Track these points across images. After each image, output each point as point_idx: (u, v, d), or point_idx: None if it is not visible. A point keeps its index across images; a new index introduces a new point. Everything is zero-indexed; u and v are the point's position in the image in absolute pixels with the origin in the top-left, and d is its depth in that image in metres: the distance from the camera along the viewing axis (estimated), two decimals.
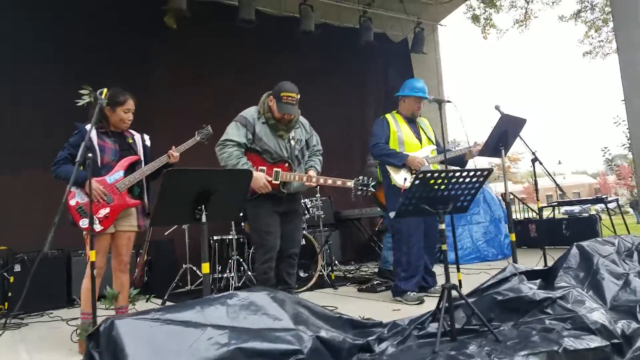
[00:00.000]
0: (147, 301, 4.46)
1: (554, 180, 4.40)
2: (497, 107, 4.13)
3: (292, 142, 3.09)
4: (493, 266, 5.49)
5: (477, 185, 2.46)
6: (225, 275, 4.55)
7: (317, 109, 7.03)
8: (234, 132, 3.02)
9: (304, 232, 4.87)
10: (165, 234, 4.69)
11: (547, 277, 3.03)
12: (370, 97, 8.33)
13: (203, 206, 2.12)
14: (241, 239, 4.86)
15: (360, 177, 3.06)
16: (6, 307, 4.32)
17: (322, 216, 5.31)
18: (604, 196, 6.76)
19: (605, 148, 13.31)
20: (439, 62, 9.96)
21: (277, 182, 2.99)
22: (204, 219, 2.13)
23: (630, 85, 5.59)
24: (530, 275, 2.92)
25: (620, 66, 5.77)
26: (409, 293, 3.55)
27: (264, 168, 3.00)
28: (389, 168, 3.73)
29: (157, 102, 5.49)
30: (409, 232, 3.63)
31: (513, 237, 3.49)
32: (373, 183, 3.04)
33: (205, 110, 5.70)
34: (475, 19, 12.79)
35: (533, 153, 4.15)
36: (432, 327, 2.45)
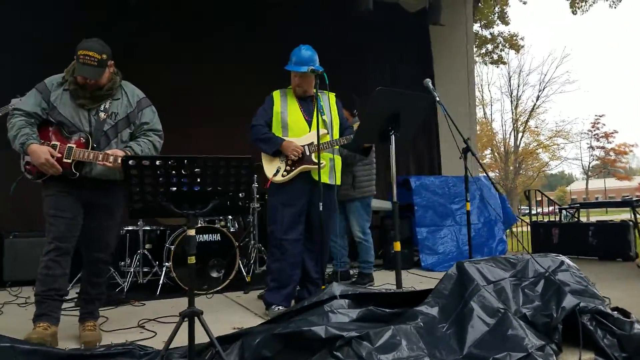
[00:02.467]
0: None
1: (486, 172, 3.54)
2: (425, 83, 3.42)
3: (102, 114, 2.61)
4: None
5: (241, 177, 1.90)
6: (131, 269, 4.29)
7: None
8: (26, 100, 2.61)
9: (219, 225, 4.47)
10: None
11: (409, 302, 2.37)
12: (372, 82, 7.40)
13: None
14: (158, 231, 4.58)
15: None
16: None
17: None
18: (634, 199, 5.50)
19: None
20: (470, 39, 8.82)
21: (69, 161, 2.51)
22: None
23: None
24: (365, 299, 2.29)
25: None
26: (273, 307, 3.02)
27: (57, 144, 2.53)
28: (263, 157, 3.20)
29: None
30: (282, 234, 3.08)
31: (397, 246, 2.79)
32: None
33: None
34: None
35: (465, 141, 3.39)
36: None
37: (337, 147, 3.28)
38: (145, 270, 4.39)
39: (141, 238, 4.32)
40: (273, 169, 3.11)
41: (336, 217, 3.33)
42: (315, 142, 3.05)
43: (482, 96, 29.46)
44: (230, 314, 3.30)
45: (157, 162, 1.76)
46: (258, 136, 3.16)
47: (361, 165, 4.39)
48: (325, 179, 3.11)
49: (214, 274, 4.16)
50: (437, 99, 3.33)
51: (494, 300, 2.22)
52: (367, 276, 4.35)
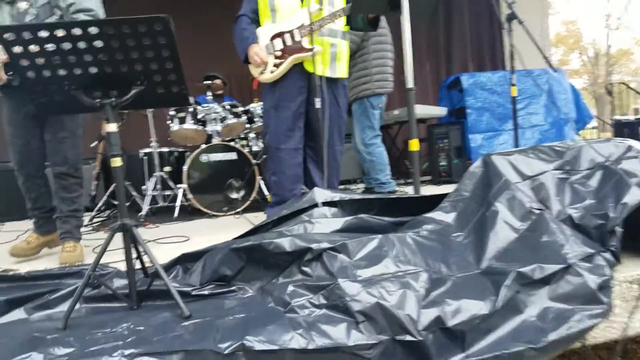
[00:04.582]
0: None
1: (537, 46, 2.79)
2: None
3: (23, 4, 2.28)
4: None
5: (160, 49, 1.46)
6: (148, 193, 4.12)
7: None
8: None
9: (239, 144, 4.15)
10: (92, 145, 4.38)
11: (421, 209, 1.92)
12: None
13: None
14: (176, 153, 4.36)
15: None
16: None
17: None
18: None
19: None
20: None
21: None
22: None
23: None
24: (358, 206, 1.86)
25: None
26: None
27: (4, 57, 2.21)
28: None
29: None
30: (275, 141, 2.66)
31: (414, 144, 2.25)
32: None
33: None
34: None
35: (509, 5, 2.67)
36: (118, 282, 1.68)
37: (347, 29, 2.71)
38: (167, 193, 4.24)
39: (156, 160, 4.12)
40: (259, 67, 2.64)
41: (343, 118, 2.80)
42: (307, 23, 2.50)
43: None
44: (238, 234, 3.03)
45: (42, 34, 1.37)
46: (236, 34, 2.69)
47: (353, 60, 3.66)
48: (324, 70, 2.59)
49: (233, 195, 3.91)
50: None
51: (528, 199, 1.70)
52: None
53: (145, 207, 3.94)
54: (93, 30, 1.37)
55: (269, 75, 2.62)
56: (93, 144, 4.29)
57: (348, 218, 1.78)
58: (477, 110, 4.90)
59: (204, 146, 3.87)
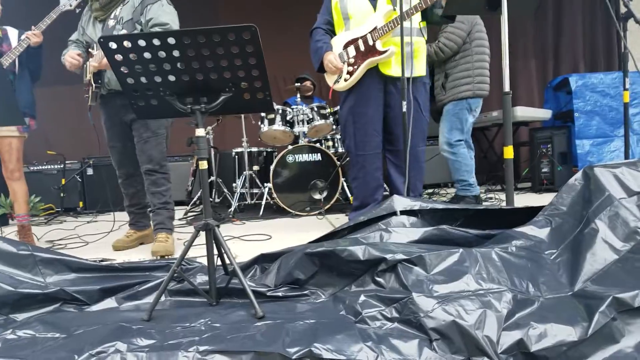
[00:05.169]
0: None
1: None
2: None
3: (111, 21, 2.55)
4: None
5: (248, 57, 1.53)
6: (238, 190, 4.33)
7: None
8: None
9: (325, 145, 4.21)
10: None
11: (512, 223, 1.82)
12: None
13: None
14: (264, 153, 4.52)
15: None
16: (81, 205, 5.23)
17: None
18: None
19: None
20: None
21: (88, 77, 2.52)
22: None
23: None
24: (440, 216, 1.81)
25: None
26: None
27: (95, 64, 2.55)
28: None
29: None
30: (354, 147, 2.65)
31: (509, 151, 2.13)
32: None
33: None
34: None
35: (626, 4, 2.43)
36: (200, 278, 1.78)
37: (424, 25, 2.65)
38: (255, 191, 4.43)
39: (246, 159, 4.32)
40: (334, 75, 2.67)
41: (424, 118, 2.73)
42: (379, 26, 2.48)
43: None
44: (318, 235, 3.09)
45: (140, 42, 1.50)
46: (311, 46, 2.75)
47: (454, 61, 3.53)
48: (398, 71, 2.53)
49: (316, 196, 3.98)
50: None
51: (633, 218, 1.55)
52: (463, 200, 3.58)
53: (234, 204, 4.15)
54: (185, 39, 1.47)
55: (343, 83, 2.64)
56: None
57: (428, 229, 1.74)
58: (587, 113, 4.53)
59: (290, 147, 3.99)
